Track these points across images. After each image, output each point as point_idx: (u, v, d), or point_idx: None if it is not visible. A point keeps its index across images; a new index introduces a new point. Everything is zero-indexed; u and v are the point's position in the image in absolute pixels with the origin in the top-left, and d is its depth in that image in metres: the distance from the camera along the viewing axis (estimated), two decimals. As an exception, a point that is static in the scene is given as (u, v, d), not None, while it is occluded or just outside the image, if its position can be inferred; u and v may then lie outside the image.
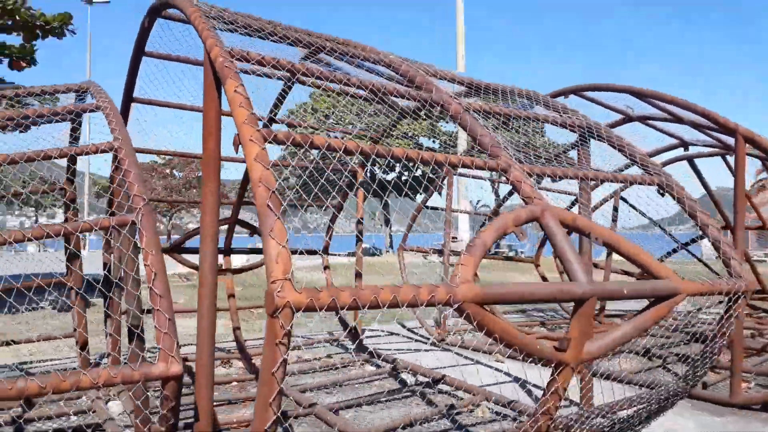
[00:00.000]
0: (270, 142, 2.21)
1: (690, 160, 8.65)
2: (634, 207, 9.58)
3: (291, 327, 1.87)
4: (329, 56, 4.09)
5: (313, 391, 5.41)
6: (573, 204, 8.41)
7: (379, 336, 8.48)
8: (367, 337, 8.49)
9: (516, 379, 5.86)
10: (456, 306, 2.14)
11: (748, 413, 4.70)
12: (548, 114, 4.09)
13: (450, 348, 7.44)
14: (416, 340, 8.09)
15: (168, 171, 57.29)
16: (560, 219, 2.67)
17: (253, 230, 7.34)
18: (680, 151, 8.41)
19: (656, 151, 8.70)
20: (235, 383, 5.74)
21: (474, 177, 12.84)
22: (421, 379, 5.69)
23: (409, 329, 8.90)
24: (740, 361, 4.87)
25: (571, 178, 3.17)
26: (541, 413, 2.56)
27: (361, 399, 5.10)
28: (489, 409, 4.78)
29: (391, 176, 43.60)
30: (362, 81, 3.29)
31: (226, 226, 7.00)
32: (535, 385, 5.52)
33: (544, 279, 10.10)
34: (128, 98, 5.41)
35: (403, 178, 41.84)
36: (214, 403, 5.09)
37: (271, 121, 6.04)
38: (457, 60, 25.77)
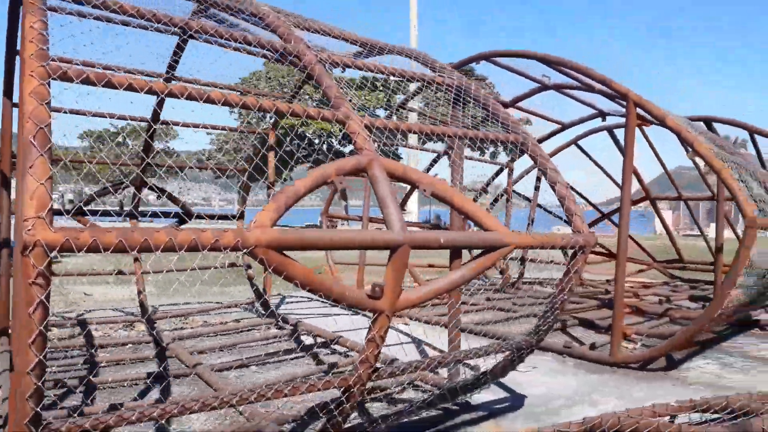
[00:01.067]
0: (55, 79, 2.10)
1: (610, 130, 8.78)
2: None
3: (47, 266, 1.79)
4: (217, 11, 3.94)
5: (207, 352, 5.35)
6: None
7: (302, 302, 8.47)
8: (290, 302, 8.47)
9: (414, 340, 5.92)
10: (247, 250, 2.09)
11: (627, 372, 4.84)
12: (423, 73, 4.04)
13: (366, 312, 7.48)
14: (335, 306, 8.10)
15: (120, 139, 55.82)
16: (389, 170, 2.64)
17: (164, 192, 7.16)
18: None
19: (580, 120, 8.80)
20: (130, 345, 5.64)
21: (422, 149, 12.83)
22: (320, 340, 5.69)
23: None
24: (620, 321, 5.00)
25: (416, 133, 3.13)
26: (360, 362, 2.55)
27: (251, 360, 5.07)
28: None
29: (349, 148, 43.33)
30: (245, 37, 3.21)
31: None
32: (428, 344, 5.59)
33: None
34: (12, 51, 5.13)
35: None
36: (104, 364, 5.05)
37: (170, 79, 5.83)
38: (410, 30, 25.54)
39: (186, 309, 7.39)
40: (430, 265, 9.86)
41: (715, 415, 2.60)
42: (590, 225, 10.54)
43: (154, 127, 6.53)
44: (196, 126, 6.77)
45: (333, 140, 41.67)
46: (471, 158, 10.17)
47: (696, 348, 5.71)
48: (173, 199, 7.10)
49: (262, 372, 4.88)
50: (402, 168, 2.68)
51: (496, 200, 10.16)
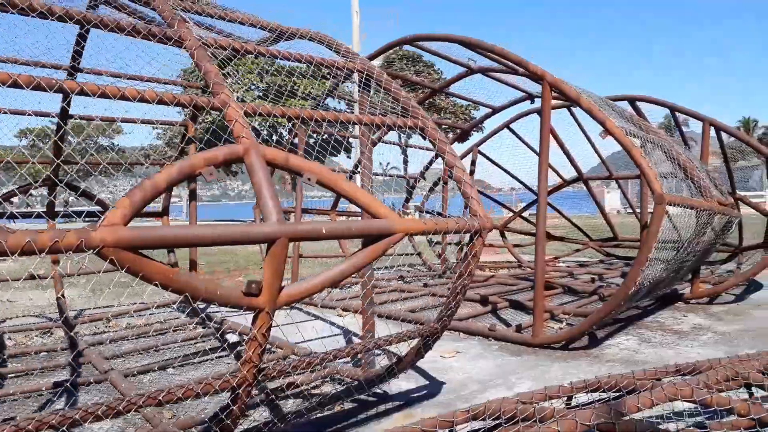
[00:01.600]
0: None
1: (539, 112, 8.82)
2: (491, 160, 9.76)
3: None
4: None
5: (124, 357, 5.14)
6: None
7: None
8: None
9: (346, 333, 5.84)
10: (94, 251, 1.94)
11: (549, 353, 4.87)
12: (332, 59, 3.91)
13: (301, 307, 7.36)
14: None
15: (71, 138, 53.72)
16: (270, 159, 2.51)
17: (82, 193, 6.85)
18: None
19: (510, 103, 8.83)
20: (44, 353, 5.37)
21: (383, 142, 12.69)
22: (245, 338, 5.54)
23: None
24: (541, 302, 5.03)
25: (313, 120, 3.01)
26: (242, 362, 2.44)
27: (169, 362, 4.89)
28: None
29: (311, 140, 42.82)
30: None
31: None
32: (356, 335, 5.51)
33: (430, 241, 10.17)
34: None
35: (311, 141, 41.16)
36: (12, 375, 4.78)
37: (75, 69, 5.52)
38: (351, 15, 25.27)
39: (113, 311, 7.10)
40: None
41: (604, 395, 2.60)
42: (527, 206, 10.66)
43: (65, 127, 6.21)
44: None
45: (284, 131, 41.04)
46: (411, 146, 10.12)
47: (620, 325, 5.82)
48: (89, 197, 6.81)
49: (179, 374, 4.71)
50: (284, 156, 2.56)
51: (434, 185, 10.15)
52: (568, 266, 10.33)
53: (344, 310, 6.86)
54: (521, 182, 10.34)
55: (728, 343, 4.96)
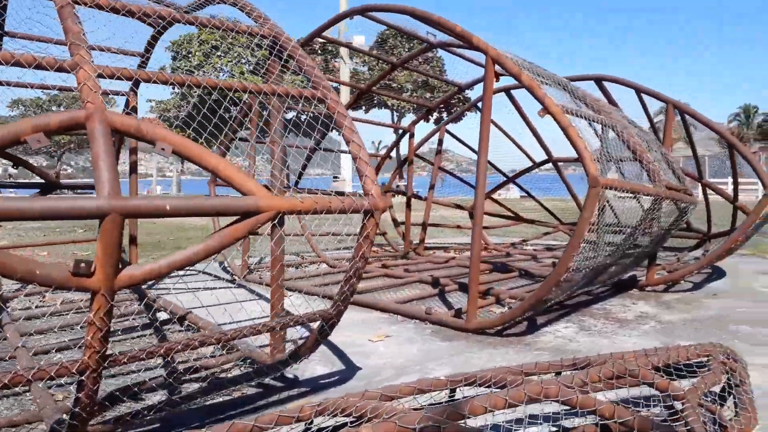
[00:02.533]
0: None
1: (507, 91, 8.58)
2: (459, 139, 9.52)
3: None
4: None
5: (45, 333, 4.95)
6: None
7: (187, 275, 8.07)
8: (172, 276, 8.05)
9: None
10: None
11: (482, 338, 4.70)
12: (249, 25, 3.65)
13: (247, 285, 7.18)
14: (224, 279, 7.74)
15: (54, 109, 53.26)
16: (117, 126, 2.29)
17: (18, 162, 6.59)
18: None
19: (475, 81, 8.56)
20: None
21: (365, 121, 12.41)
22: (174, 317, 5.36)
23: (224, 269, 8.54)
24: (475, 285, 4.84)
25: (192, 85, 2.77)
26: (85, 347, 2.23)
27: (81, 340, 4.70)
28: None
29: (290, 115, 42.38)
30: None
31: None
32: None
33: (395, 221, 9.98)
34: None
35: (303, 117, 40.71)
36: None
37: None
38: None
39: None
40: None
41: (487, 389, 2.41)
42: (497, 188, 10.45)
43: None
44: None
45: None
46: (369, 121, 9.85)
47: (565, 311, 5.65)
48: (30, 168, 6.57)
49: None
50: (135, 123, 2.33)
51: (402, 164, 9.91)
52: (535, 249, 10.16)
53: (288, 289, 6.67)
54: (490, 163, 10.10)
55: (668, 333, 4.79)
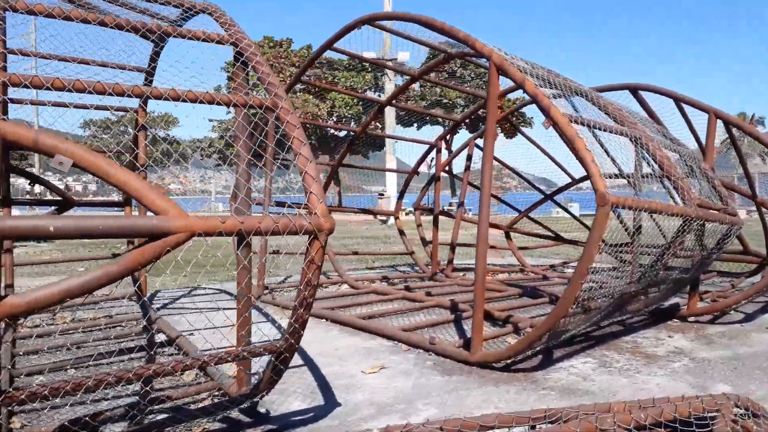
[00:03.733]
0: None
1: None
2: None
3: None
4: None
5: (40, 353, 4.86)
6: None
7: (204, 294, 7.93)
8: (186, 295, 7.93)
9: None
10: None
11: (486, 373, 4.25)
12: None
13: (262, 306, 6.95)
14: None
15: (122, 129, 55.92)
16: (12, 139, 2.07)
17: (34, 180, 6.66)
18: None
19: (504, 91, 8.11)
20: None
21: (390, 136, 12.25)
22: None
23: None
24: (480, 313, 4.40)
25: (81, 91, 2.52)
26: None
27: (78, 361, 4.54)
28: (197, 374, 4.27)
29: (343, 133, 42.56)
30: None
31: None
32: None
33: (402, 233, 9.63)
34: None
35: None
36: None
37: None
38: None
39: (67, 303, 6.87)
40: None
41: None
42: (535, 206, 9.90)
43: None
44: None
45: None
46: (393, 137, 9.53)
47: (588, 343, 5.11)
48: (47, 186, 6.60)
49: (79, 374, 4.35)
50: (31, 135, 2.10)
51: (430, 182, 9.53)
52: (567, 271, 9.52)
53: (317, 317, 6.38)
54: (522, 177, 9.60)
55: (700, 373, 4.20)
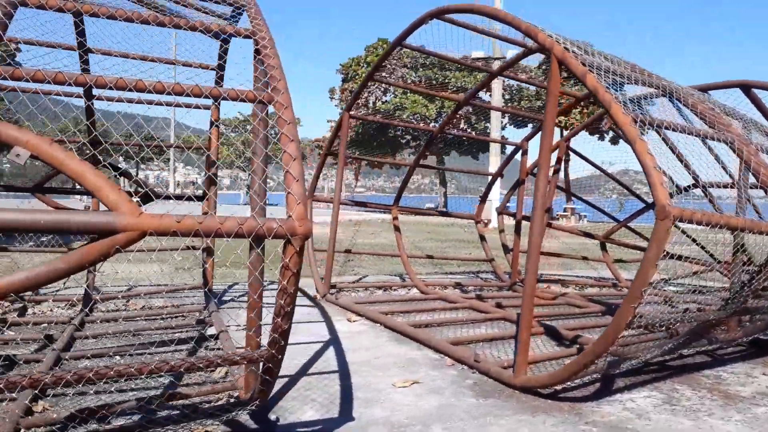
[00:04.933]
0: None
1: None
2: (581, 155, 8.43)
3: None
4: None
5: (98, 338, 5.07)
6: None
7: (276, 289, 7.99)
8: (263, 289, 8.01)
9: (331, 343, 5.24)
10: None
11: (526, 399, 3.82)
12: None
13: (326, 305, 6.88)
14: (308, 296, 7.55)
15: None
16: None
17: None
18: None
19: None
20: (44, 324, 5.52)
21: (491, 140, 11.91)
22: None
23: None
24: (527, 332, 3.98)
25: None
26: None
27: (123, 348, 4.68)
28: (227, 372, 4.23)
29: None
30: None
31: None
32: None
33: (483, 238, 9.19)
34: None
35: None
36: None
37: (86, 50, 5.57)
38: None
39: (135, 291, 7.19)
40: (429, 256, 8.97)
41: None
42: (635, 215, 9.04)
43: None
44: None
45: (434, 123, 40.87)
46: (471, 137, 9.08)
47: (664, 373, 4.49)
48: (127, 176, 6.94)
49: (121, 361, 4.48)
50: (-7, 126, 2.07)
51: (516, 185, 9.00)
52: (678, 292, 8.57)
53: (357, 314, 6.24)
54: (622, 184, 8.79)
55: (790, 423, 3.50)
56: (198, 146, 6.92)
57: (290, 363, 4.49)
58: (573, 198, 11.21)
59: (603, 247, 9.52)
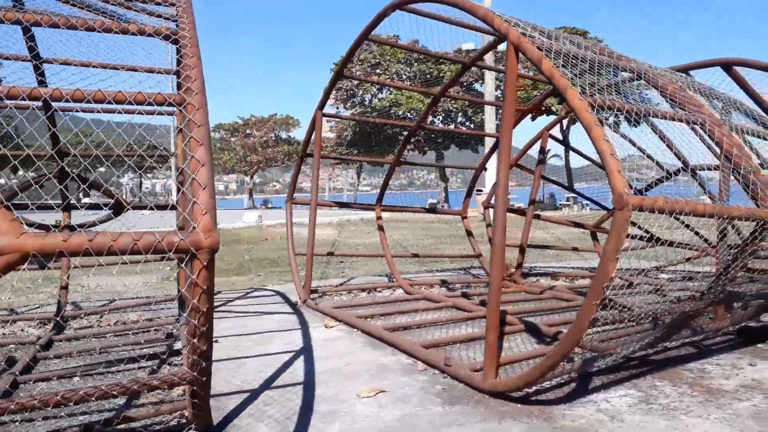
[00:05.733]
0: None
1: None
2: (567, 144, 8.20)
3: None
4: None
5: (63, 358, 4.90)
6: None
7: (265, 297, 7.84)
8: (244, 297, 7.87)
9: (301, 352, 5.06)
10: None
11: (497, 403, 3.63)
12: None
13: (306, 311, 6.70)
14: (290, 302, 7.37)
15: (248, 132, 59.20)
16: None
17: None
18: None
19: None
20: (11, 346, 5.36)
21: (473, 133, 11.72)
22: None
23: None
24: (494, 333, 3.79)
25: None
26: None
27: (88, 368, 4.51)
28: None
29: (450, 127, 41.75)
30: None
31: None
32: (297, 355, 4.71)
33: (470, 233, 8.99)
34: None
35: (463, 128, 39.99)
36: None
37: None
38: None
39: (112, 305, 7.04)
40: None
41: None
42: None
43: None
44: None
45: (437, 120, 40.62)
46: (454, 131, 8.86)
47: (645, 369, 4.29)
48: (97, 187, 6.79)
49: (83, 382, 4.31)
50: None
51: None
52: (670, 279, 8.35)
53: (334, 318, 6.06)
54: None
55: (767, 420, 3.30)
56: (164, 154, 6.75)
57: (255, 376, 4.32)
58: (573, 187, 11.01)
59: (594, 237, 9.30)
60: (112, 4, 3.83)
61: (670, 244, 9.01)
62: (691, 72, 6.24)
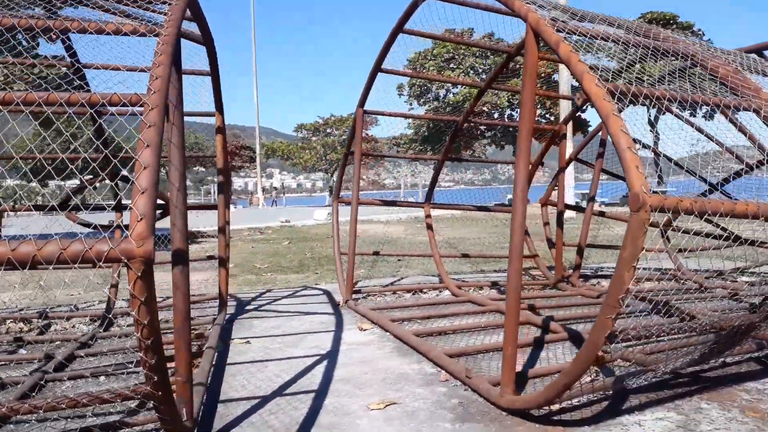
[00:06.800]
0: None
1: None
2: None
3: None
4: None
5: (97, 356, 5.01)
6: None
7: (312, 296, 7.77)
8: (291, 296, 7.83)
9: (328, 355, 4.91)
10: None
11: (516, 422, 3.32)
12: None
13: (345, 311, 6.57)
14: (332, 303, 7.25)
15: (328, 131, 60.38)
16: None
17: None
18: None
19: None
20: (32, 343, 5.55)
21: (489, 123, 11.31)
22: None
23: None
24: (512, 343, 3.46)
25: None
26: None
27: (117, 367, 4.56)
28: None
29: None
30: None
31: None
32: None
33: (550, 242, 8.51)
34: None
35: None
36: None
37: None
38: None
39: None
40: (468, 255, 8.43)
41: None
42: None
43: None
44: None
45: (514, 113, 39.55)
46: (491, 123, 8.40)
47: (692, 388, 3.81)
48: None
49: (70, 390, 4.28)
50: None
51: (558, 173, 8.26)
52: (749, 282, 7.54)
53: (371, 322, 5.88)
54: (672, 160, 7.82)
55: (836, 457, 2.78)
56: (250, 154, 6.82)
57: (271, 381, 4.20)
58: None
59: (662, 235, 8.58)
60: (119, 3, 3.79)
61: (752, 243, 8.18)
62: (766, 52, 5.54)
